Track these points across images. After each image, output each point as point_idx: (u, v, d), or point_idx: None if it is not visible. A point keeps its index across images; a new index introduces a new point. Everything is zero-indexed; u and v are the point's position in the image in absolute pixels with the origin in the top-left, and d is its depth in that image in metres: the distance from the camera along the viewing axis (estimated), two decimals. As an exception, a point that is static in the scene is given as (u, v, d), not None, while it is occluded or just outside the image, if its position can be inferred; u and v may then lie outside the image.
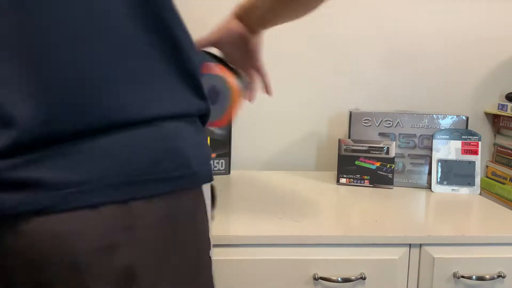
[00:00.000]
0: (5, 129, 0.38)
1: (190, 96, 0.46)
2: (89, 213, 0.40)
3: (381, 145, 1.13)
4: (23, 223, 0.40)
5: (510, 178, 1.24)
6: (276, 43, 1.30)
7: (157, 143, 0.43)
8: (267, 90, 0.82)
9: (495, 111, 1.32)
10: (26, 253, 0.40)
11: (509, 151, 1.27)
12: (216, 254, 0.77)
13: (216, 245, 0.77)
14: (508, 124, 1.29)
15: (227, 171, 1.23)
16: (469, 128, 1.27)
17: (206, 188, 0.50)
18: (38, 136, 0.39)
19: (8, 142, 0.38)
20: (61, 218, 0.40)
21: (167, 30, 0.44)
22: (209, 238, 0.51)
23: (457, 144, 1.12)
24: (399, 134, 1.15)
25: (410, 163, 1.15)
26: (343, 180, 1.16)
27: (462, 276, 0.81)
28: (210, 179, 0.47)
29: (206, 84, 0.53)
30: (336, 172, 1.18)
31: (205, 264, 0.49)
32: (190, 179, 0.45)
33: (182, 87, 0.45)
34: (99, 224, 0.41)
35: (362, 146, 1.14)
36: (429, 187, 1.14)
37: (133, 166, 0.42)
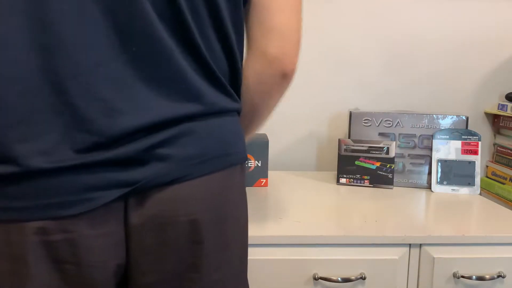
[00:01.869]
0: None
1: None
2: (206, 179, 0.53)
3: (381, 145, 1.13)
4: (158, 192, 0.51)
5: (510, 178, 1.24)
6: (276, 43, 1.30)
7: (236, 127, 0.58)
8: None
9: (495, 111, 1.32)
10: (158, 217, 0.51)
11: (509, 151, 1.27)
12: (216, 254, 0.77)
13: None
14: (508, 124, 1.29)
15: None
16: (469, 128, 1.27)
17: None
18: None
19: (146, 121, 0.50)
20: (188, 185, 0.52)
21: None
22: None
23: (457, 144, 1.12)
24: (399, 134, 1.15)
25: (410, 163, 1.15)
26: (343, 180, 1.16)
27: (462, 276, 0.81)
28: None
29: None
30: (336, 172, 1.18)
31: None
32: (246, 155, 0.60)
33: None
34: (213, 187, 0.54)
35: (362, 146, 1.14)
36: (429, 187, 1.14)
37: (224, 144, 0.56)
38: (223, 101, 0.56)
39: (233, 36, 0.57)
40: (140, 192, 0.50)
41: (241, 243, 0.60)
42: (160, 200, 0.51)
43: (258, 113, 0.68)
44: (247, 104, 0.66)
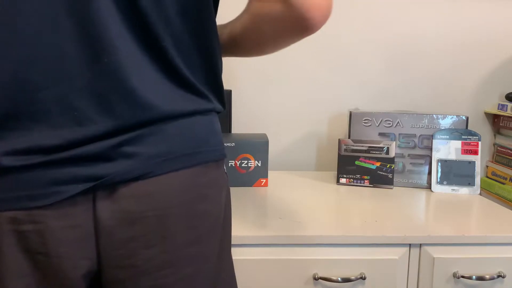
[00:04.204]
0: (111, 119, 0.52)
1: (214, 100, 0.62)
2: (173, 175, 0.54)
3: (381, 145, 1.13)
4: (124, 187, 0.52)
5: (510, 178, 1.24)
6: (276, 43, 1.30)
7: (210, 125, 0.59)
8: None
9: (495, 111, 1.32)
10: (125, 212, 0.52)
11: (509, 151, 1.27)
12: (216, 254, 0.77)
13: (216, 245, 0.77)
14: (508, 124, 1.29)
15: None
16: (469, 128, 1.27)
17: None
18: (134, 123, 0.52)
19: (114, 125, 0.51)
20: (153, 181, 0.53)
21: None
22: None
23: (457, 144, 1.12)
24: (399, 134, 1.15)
25: (410, 163, 1.15)
26: (343, 180, 1.16)
27: (462, 276, 0.81)
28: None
29: None
30: (336, 172, 1.18)
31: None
32: (223, 153, 0.61)
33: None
34: (181, 183, 0.55)
35: (362, 146, 1.14)
36: (429, 187, 1.14)
37: (194, 141, 0.56)
38: (194, 104, 0.57)
39: (209, 34, 0.57)
40: (107, 187, 0.52)
41: (220, 240, 0.61)
42: (126, 195, 0.53)
43: (250, 45, 0.64)
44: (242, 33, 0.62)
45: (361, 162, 1.14)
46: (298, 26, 0.54)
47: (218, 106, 0.62)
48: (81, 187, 0.51)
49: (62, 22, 0.50)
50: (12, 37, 0.49)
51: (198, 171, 0.57)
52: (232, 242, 0.78)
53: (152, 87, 0.54)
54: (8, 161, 0.50)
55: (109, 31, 0.51)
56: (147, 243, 0.54)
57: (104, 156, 0.52)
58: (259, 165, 1.11)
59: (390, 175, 1.13)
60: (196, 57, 0.58)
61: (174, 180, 0.55)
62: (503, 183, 1.25)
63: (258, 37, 0.61)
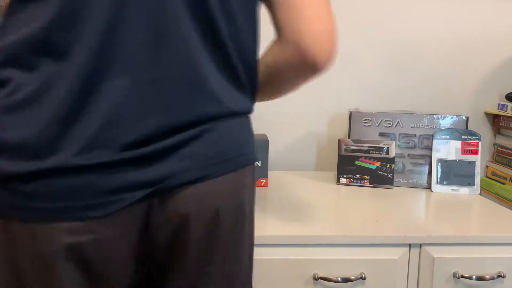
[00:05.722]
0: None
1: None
2: (225, 178, 0.55)
3: (381, 145, 1.13)
4: (180, 190, 0.52)
5: (510, 178, 1.24)
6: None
7: (249, 129, 0.60)
8: None
9: (495, 111, 1.32)
10: (180, 216, 0.52)
11: (509, 151, 1.27)
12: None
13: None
14: (508, 124, 1.29)
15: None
16: (469, 128, 1.27)
17: None
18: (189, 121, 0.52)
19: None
20: (209, 184, 0.54)
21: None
22: None
23: (457, 144, 1.12)
24: (399, 134, 1.15)
25: (410, 163, 1.15)
26: (343, 180, 1.16)
27: (462, 276, 0.81)
28: None
29: None
30: (336, 172, 1.18)
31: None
32: (255, 158, 0.62)
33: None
34: (231, 186, 0.56)
35: (362, 146, 1.14)
36: (429, 187, 1.14)
37: (240, 143, 0.57)
38: (242, 102, 0.58)
39: (253, 35, 0.59)
40: (162, 191, 0.52)
41: (250, 241, 0.63)
42: (181, 199, 0.53)
43: (271, 92, 0.69)
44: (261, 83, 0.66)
45: (361, 162, 1.14)
46: (308, 70, 0.59)
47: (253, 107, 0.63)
48: (139, 193, 0.50)
49: (130, 6, 0.49)
50: (75, 21, 0.48)
51: (242, 174, 0.58)
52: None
53: (217, 82, 0.54)
54: (74, 160, 0.47)
55: (175, 20, 0.50)
56: (197, 245, 0.55)
57: (160, 159, 0.51)
58: (259, 165, 1.11)
59: (390, 175, 1.13)
60: (245, 58, 0.58)
61: (226, 183, 0.55)
62: (503, 183, 1.25)
63: (273, 84, 0.66)
